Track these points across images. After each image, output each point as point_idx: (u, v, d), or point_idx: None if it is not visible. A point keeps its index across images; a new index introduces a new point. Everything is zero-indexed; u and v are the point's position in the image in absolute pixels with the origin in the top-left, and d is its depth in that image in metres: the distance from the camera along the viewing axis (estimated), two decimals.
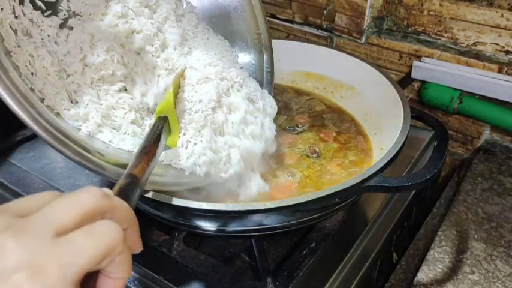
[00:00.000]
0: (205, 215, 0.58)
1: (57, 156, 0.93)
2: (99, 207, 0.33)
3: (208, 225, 0.61)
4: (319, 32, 1.16)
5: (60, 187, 0.85)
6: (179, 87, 0.68)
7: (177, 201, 0.56)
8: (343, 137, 0.83)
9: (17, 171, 0.90)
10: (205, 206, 0.55)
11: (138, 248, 0.37)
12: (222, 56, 0.77)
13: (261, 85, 0.80)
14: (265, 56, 0.84)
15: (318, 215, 0.62)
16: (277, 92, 0.96)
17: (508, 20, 0.91)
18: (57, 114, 0.58)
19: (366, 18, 1.05)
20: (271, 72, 0.84)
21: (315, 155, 0.77)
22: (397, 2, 1.03)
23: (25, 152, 0.95)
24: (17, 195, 0.86)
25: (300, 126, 0.86)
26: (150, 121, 0.67)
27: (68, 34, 0.63)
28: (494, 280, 0.69)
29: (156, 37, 0.69)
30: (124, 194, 0.42)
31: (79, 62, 0.61)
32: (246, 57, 0.84)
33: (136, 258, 0.69)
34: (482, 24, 0.94)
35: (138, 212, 0.70)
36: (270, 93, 0.78)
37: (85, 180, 0.87)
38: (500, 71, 0.93)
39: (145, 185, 0.49)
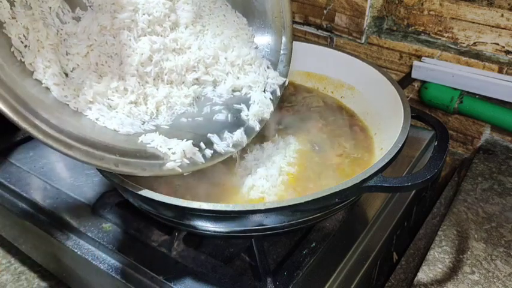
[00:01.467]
0: (205, 215, 0.58)
1: (57, 156, 0.93)
2: None
3: (208, 225, 0.61)
4: (319, 32, 1.16)
5: (59, 187, 0.85)
6: None
7: (177, 201, 0.56)
8: (331, 128, 0.83)
9: (16, 171, 0.90)
10: (205, 206, 0.55)
11: None
12: (237, 34, 0.75)
13: (275, 67, 0.80)
14: (283, 38, 0.82)
15: (318, 215, 0.62)
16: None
17: (508, 20, 0.91)
18: (47, 88, 0.58)
19: (366, 18, 1.05)
20: (289, 55, 0.83)
21: (317, 148, 0.78)
22: (397, 1, 1.03)
23: (25, 152, 0.95)
24: (17, 195, 0.86)
25: (287, 119, 0.86)
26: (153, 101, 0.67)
27: (79, 17, 0.63)
28: (494, 280, 0.69)
29: (167, 17, 0.69)
30: None
31: (85, 48, 0.61)
32: (262, 38, 0.82)
33: (137, 258, 0.69)
34: (483, 24, 0.94)
35: (138, 212, 0.70)
36: (284, 75, 0.79)
37: (85, 180, 0.87)
38: (500, 71, 0.93)
39: None
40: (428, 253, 0.75)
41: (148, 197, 0.56)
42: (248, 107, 0.73)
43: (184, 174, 0.63)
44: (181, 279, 0.66)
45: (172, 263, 0.68)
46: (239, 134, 0.69)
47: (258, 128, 0.72)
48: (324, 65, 0.94)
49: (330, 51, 0.94)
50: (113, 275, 0.69)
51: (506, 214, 0.81)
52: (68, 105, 0.59)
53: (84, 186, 0.85)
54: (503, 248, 0.75)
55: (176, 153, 0.62)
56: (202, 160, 0.64)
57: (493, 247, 0.75)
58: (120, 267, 0.70)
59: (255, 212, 0.55)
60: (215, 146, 0.67)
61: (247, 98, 0.74)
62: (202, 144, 0.65)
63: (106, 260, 0.72)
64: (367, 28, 1.07)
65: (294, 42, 0.89)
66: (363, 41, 1.09)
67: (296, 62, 0.96)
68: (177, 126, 0.68)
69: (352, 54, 0.92)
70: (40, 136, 0.52)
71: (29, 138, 0.98)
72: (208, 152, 0.66)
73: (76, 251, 0.74)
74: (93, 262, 0.72)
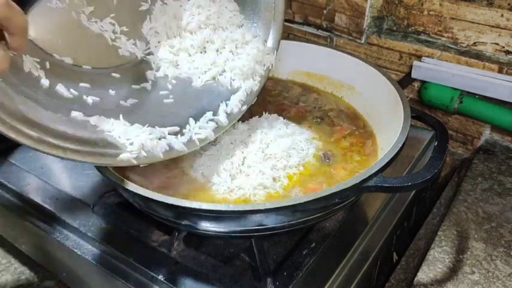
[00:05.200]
0: (205, 215, 0.58)
1: None
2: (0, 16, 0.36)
3: (208, 225, 0.61)
4: (319, 32, 1.16)
5: (60, 187, 0.85)
6: None
7: (177, 201, 0.56)
8: (353, 139, 0.81)
9: (16, 171, 0.90)
10: (205, 206, 0.55)
11: (25, 47, 0.41)
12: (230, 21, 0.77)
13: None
14: (271, 33, 0.82)
15: (318, 215, 0.62)
16: (283, 87, 0.97)
17: (508, 20, 0.91)
18: None
19: (366, 18, 1.05)
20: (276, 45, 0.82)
21: (327, 160, 0.76)
22: (397, 2, 1.03)
23: (25, 152, 0.95)
24: (17, 195, 0.86)
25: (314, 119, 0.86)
26: None
27: None
28: (494, 280, 0.69)
29: None
30: None
31: None
32: (251, 29, 0.82)
33: (137, 258, 0.69)
34: (482, 24, 0.94)
35: (138, 212, 0.70)
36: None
37: (85, 180, 0.87)
38: (500, 71, 0.93)
39: None
40: (428, 253, 0.75)
41: (149, 197, 0.56)
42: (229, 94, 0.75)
43: (141, 166, 0.63)
44: (181, 279, 0.66)
45: (172, 263, 0.68)
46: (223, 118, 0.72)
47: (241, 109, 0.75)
48: (324, 65, 0.94)
49: (330, 51, 0.94)
50: (113, 275, 0.69)
51: (506, 214, 0.81)
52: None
53: (84, 186, 0.85)
54: (503, 248, 0.75)
55: (134, 144, 0.62)
56: (160, 155, 0.64)
57: (493, 247, 0.75)
58: (120, 268, 0.70)
59: (255, 212, 0.55)
60: (187, 135, 0.68)
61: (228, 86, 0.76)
62: (167, 136, 0.66)
63: (106, 260, 0.72)
64: (367, 28, 1.07)
65: (294, 42, 0.89)
66: (362, 41, 1.09)
67: (296, 62, 0.97)
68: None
69: (352, 54, 0.91)
70: None
71: None
72: (176, 143, 0.66)
73: (76, 251, 0.74)
74: (93, 262, 0.72)
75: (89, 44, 0.68)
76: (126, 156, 0.61)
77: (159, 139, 0.65)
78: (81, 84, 0.65)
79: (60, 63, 0.64)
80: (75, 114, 0.61)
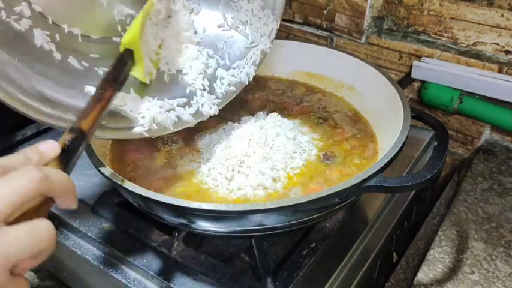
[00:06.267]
0: (205, 215, 0.58)
1: None
2: (39, 191, 0.36)
3: (208, 225, 0.61)
4: (319, 32, 1.16)
5: None
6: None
7: (177, 201, 0.56)
8: (354, 142, 0.80)
9: None
10: (205, 206, 0.55)
11: (74, 206, 0.41)
12: None
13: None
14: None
15: (318, 215, 0.62)
16: (287, 86, 0.97)
17: (508, 20, 0.91)
18: None
19: (366, 18, 1.05)
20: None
21: (327, 161, 0.75)
22: (397, 2, 1.03)
23: None
24: None
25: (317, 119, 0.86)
26: None
27: None
28: (494, 280, 0.69)
29: None
30: (68, 153, 0.43)
31: None
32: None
33: (137, 258, 0.69)
34: (482, 24, 0.94)
35: (138, 212, 0.70)
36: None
37: (85, 180, 0.86)
38: (500, 71, 0.93)
39: (92, 137, 0.48)
40: (428, 253, 0.75)
41: (148, 197, 0.56)
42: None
43: (152, 137, 0.66)
44: (181, 279, 0.66)
45: (172, 263, 0.68)
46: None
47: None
48: (324, 65, 0.94)
49: (330, 51, 0.94)
50: (113, 275, 0.69)
51: (506, 214, 0.81)
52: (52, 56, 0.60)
53: (84, 186, 0.85)
54: (503, 248, 0.75)
55: (145, 117, 0.64)
56: (170, 127, 0.67)
57: (493, 247, 0.75)
58: (120, 267, 0.70)
59: (255, 212, 0.55)
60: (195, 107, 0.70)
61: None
62: (176, 108, 0.68)
63: (106, 260, 0.72)
64: (367, 28, 1.07)
65: (294, 42, 0.88)
66: (362, 41, 1.09)
67: (296, 62, 0.97)
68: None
69: (352, 54, 0.91)
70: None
71: (29, 138, 0.98)
72: (184, 114, 0.68)
73: (76, 251, 0.74)
74: (93, 262, 0.72)
75: (95, 13, 0.69)
76: (139, 130, 0.64)
77: (169, 111, 0.67)
78: (91, 55, 0.66)
79: (69, 35, 0.65)
80: (89, 88, 0.62)
